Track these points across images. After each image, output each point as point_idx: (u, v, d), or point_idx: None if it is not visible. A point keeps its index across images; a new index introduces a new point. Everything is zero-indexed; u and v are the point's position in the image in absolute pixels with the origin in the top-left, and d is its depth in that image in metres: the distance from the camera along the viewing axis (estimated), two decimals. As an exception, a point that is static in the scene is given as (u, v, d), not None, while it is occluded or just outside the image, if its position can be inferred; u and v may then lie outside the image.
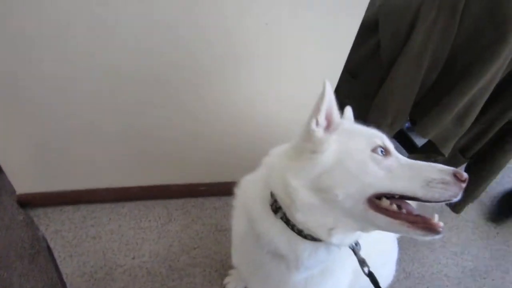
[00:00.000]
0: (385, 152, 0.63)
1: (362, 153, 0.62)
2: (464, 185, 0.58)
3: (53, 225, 1.37)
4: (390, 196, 0.61)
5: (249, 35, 1.01)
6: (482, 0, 1.07)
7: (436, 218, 0.58)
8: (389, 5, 1.27)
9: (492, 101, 1.27)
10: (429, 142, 1.48)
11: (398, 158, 0.64)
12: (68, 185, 1.38)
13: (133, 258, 1.32)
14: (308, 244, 0.67)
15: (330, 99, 0.64)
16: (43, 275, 1.17)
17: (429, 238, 0.58)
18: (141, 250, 1.36)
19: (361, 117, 0.74)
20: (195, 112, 1.21)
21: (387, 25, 1.29)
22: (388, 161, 0.62)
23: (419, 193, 0.58)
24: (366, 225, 0.64)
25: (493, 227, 1.76)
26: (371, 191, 0.60)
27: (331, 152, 0.62)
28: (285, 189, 0.63)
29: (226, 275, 1.31)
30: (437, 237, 0.58)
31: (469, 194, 1.42)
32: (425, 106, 1.31)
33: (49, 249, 1.28)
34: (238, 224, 0.82)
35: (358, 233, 0.68)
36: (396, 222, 0.59)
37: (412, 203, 0.62)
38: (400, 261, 1.18)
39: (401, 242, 1.22)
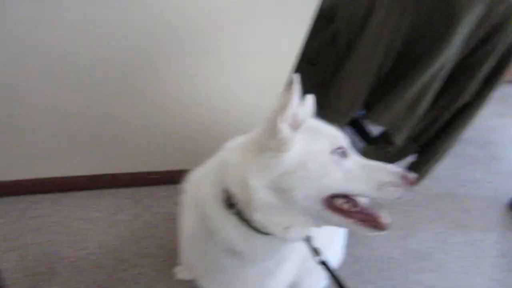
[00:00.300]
0: (344, 153, 0.65)
1: (324, 155, 0.63)
2: (411, 185, 0.63)
3: (-9, 217, 1.29)
4: (345, 195, 0.64)
5: (205, 18, 1.00)
6: None
7: (384, 216, 0.64)
8: None
9: (443, 89, 1.32)
10: (382, 133, 1.54)
11: (355, 159, 0.66)
12: (8, 174, 1.30)
13: (79, 250, 1.28)
14: (264, 238, 0.67)
15: (298, 96, 0.63)
16: (-21, 271, 1.11)
17: (376, 234, 0.64)
18: (88, 241, 1.31)
19: (320, 103, 0.75)
20: (148, 95, 1.17)
21: (343, 13, 1.32)
22: (346, 163, 0.64)
23: (374, 195, 0.64)
24: (321, 223, 0.67)
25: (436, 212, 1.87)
26: (329, 192, 0.62)
27: (294, 152, 0.61)
28: (244, 188, 0.62)
29: (176, 264, 1.30)
30: (382, 233, 0.64)
31: (422, 173, 1.55)
32: (379, 93, 1.35)
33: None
34: (188, 221, 0.79)
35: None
36: (349, 220, 0.64)
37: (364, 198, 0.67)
38: (348, 246, 1.22)
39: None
